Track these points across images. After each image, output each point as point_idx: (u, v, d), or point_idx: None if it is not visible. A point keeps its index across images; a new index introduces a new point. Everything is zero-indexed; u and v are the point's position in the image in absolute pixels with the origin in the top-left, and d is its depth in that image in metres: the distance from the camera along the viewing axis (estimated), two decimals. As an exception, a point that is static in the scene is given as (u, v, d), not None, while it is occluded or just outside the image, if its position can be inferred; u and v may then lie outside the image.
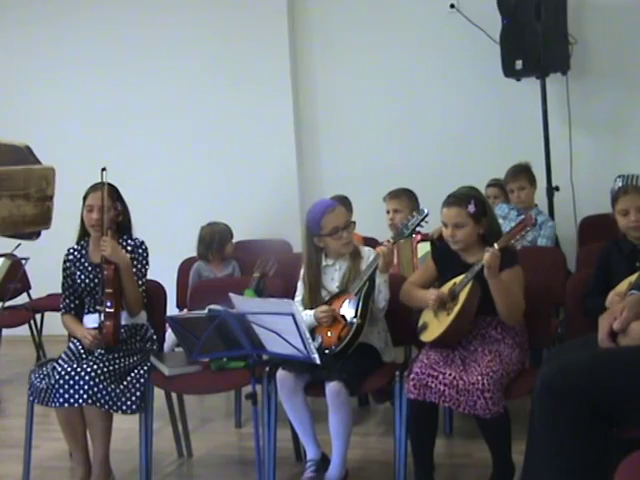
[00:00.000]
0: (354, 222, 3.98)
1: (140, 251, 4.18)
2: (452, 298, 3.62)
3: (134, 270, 4.11)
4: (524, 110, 6.26)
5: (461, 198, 3.68)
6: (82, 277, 4.15)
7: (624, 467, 2.20)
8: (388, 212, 5.08)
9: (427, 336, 3.70)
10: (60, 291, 4.26)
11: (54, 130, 7.14)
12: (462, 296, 3.58)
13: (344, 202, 4.80)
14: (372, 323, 3.87)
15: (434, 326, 3.67)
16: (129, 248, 4.16)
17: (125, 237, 4.19)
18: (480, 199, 3.73)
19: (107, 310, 3.94)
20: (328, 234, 3.90)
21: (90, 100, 7.24)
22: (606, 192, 3.88)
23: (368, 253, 3.93)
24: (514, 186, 5.42)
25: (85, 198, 4.10)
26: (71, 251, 4.22)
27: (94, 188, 4.07)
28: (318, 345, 3.76)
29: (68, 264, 4.20)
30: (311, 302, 3.94)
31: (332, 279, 3.98)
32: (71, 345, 4.10)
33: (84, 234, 4.20)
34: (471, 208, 3.63)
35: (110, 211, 4.06)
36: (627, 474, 2.17)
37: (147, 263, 4.20)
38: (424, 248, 4.74)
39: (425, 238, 4.87)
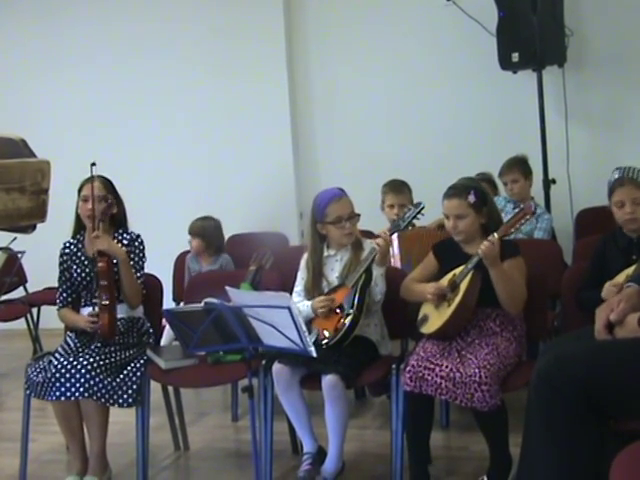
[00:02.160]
0: (359, 214, 3.98)
1: (137, 244, 4.18)
2: (452, 289, 3.62)
3: (132, 263, 4.12)
4: (520, 103, 6.26)
5: (461, 189, 3.69)
6: (78, 271, 4.15)
7: (620, 459, 2.20)
8: (392, 206, 5.03)
9: (428, 328, 3.70)
10: (56, 285, 4.26)
11: (49, 124, 7.14)
12: (463, 287, 3.58)
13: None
14: (368, 315, 3.87)
15: (435, 318, 3.68)
16: (125, 242, 4.16)
17: (120, 231, 4.20)
18: (480, 189, 3.74)
19: (102, 303, 3.94)
20: (331, 222, 3.93)
21: (85, 95, 7.24)
22: (603, 185, 3.88)
23: (370, 245, 3.94)
24: (508, 178, 5.43)
25: (80, 190, 4.10)
26: (67, 245, 4.22)
27: (89, 179, 4.07)
28: (314, 338, 3.76)
29: (65, 257, 4.20)
30: (313, 289, 3.96)
31: (332, 269, 3.99)
32: (67, 339, 4.10)
33: (79, 228, 4.21)
34: (471, 198, 3.64)
35: (102, 202, 4.06)
36: (623, 466, 2.17)
37: (144, 256, 4.21)
38: None
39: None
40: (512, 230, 3.56)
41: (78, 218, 4.17)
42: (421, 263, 3.98)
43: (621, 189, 3.75)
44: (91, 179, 4.02)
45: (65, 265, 4.19)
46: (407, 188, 5.12)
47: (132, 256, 4.15)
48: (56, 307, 4.24)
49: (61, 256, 4.21)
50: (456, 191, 3.70)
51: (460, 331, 3.65)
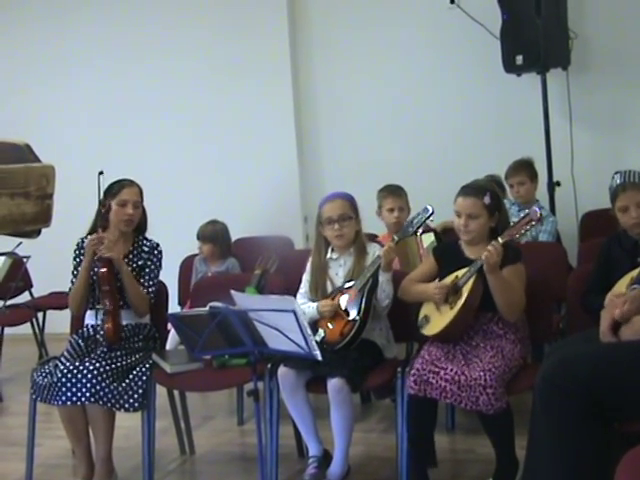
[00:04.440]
0: (351, 217, 3.97)
1: (156, 252, 4.22)
2: (455, 292, 3.62)
3: (147, 271, 4.16)
4: (525, 105, 6.26)
5: (478, 189, 3.68)
6: (94, 270, 4.11)
7: (626, 461, 2.19)
8: (392, 210, 5.03)
9: (429, 330, 3.69)
10: (62, 289, 4.24)
11: (54, 129, 7.15)
12: (465, 290, 3.57)
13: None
14: (374, 319, 3.87)
15: (436, 320, 3.67)
16: (145, 249, 4.20)
17: (141, 237, 4.23)
18: (496, 193, 3.73)
19: (106, 308, 3.96)
20: (323, 223, 3.98)
21: (89, 98, 7.25)
22: (607, 187, 3.87)
23: (374, 249, 3.94)
24: (514, 181, 5.43)
25: (111, 193, 4.07)
26: (85, 239, 4.16)
27: (128, 184, 4.10)
28: (320, 339, 3.77)
29: (83, 251, 4.12)
30: (316, 290, 3.98)
31: (337, 274, 4.00)
32: (72, 340, 4.09)
33: (97, 227, 4.13)
34: (487, 200, 3.63)
35: (138, 209, 4.13)
36: (629, 468, 2.17)
37: (161, 265, 4.24)
38: (428, 239, 4.74)
39: (427, 229, 4.87)
40: (517, 236, 3.55)
41: (98, 217, 4.12)
42: (421, 264, 3.98)
43: (624, 194, 3.73)
44: (132, 182, 4.10)
45: (82, 258, 4.10)
46: (404, 191, 5.14)
47: (149, 264, 4.18)
48: (68, 290, 4.14)
49: (79, 249, 4.16)
50: (472, 190, 3.69)
51: (461, 334, 3.64)
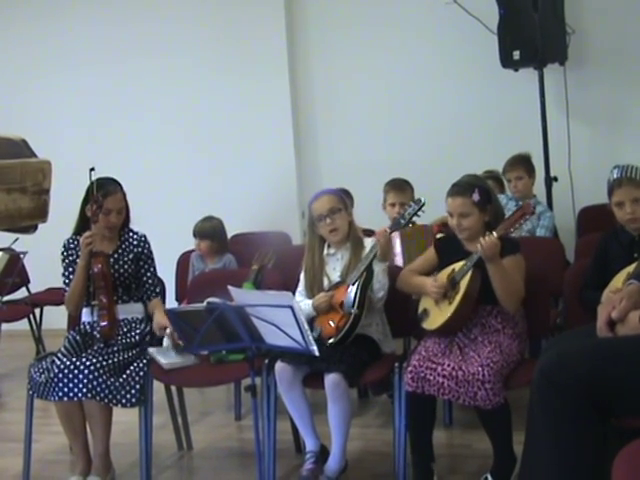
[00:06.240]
0: (341, 209, 3.97)
1: (147, 245, 4.25)
2: (452, 286, 3.62)
3: (149, 261, 4.22)
4: (522, 101, 6.26)
5: (465, 187, 3.68)
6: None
7: (622, 457, 2.19)
8: (394, 205, 5.03)
9: (429, 324, 3.70)
10: (59, 285, 4.23)
11: (51, 125, 7.14)
12: (463, 284, 3.57)
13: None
14: (370, 313, 3.87)
15: (436, 314, 3.68)
16: (135, 242, 4.21)
17: (126, 229, 4.23)
18: (484, 187, 3.72)
19: (102, 304, 3.96)
20: (315, 221, 3.98)
21: (86, 95, 7.25)
22: (604, 182, 3.87)
23: (371, 243, 3.94)
24: (511, 176, 5.43)
25: (98, 194, 4.06)
26: (71, 241, 4.16)
27: (111, 191, 4.08)
28: (317, 336, 3.77)
29: (70, 252, 4.15)
30: (313, 288, 3.97)
31: (334, 268, 4.00)
32: (69, 337, 4.09)
33: (83, 227, 4.15)
34: (475, 197, 3.63)
35: (120, 214, 4.13)
36: (625, 464, 2.17)
37: (152, 252, 4.28)
38: None
39: (444, 229, 4.87)
40: (511, 230, 3.55)
41: (82, 217, 4.13)
42: (421, 255, 3.98)
43: (620, 189, 3.74)
44: (118, 188, 4.11)
45: (71, 258, 4.14)
46: (409, 187, 5.12)
47: (143, 257, 4.21)
48: (64, 290, 4.15)
49: (66, 250, 4.16)
50: (460, 189, 3.68)
51: (462, 327, 3.65)
